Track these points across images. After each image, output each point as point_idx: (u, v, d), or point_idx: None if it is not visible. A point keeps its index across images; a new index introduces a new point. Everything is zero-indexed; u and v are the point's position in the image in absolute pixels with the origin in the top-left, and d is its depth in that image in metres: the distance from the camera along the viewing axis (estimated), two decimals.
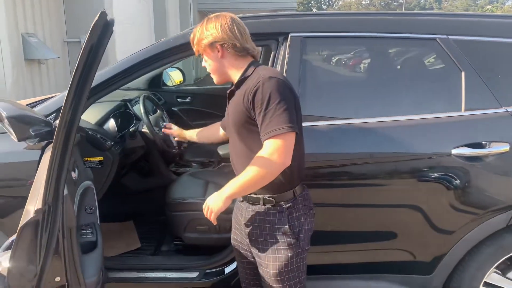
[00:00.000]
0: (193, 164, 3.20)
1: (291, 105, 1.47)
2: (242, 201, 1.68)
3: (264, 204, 1.57)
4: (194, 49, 1.63)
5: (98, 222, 1.77)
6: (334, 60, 2.50)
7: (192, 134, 2.20)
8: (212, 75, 1.63)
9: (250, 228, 1.62)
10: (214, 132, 2.10)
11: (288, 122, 1.42)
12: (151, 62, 2.11)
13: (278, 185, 1.54)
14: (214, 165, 3.19)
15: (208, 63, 1.61)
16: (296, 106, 1.53)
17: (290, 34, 2.06)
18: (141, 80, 3.73)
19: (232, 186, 1.50)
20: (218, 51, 1.55)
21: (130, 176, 2.96)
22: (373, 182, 2.01)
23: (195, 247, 2.44)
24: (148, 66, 2.12)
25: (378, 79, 2.19)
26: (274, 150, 1.43)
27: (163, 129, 2.32)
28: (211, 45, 1.55)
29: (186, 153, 3.31)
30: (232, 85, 1.62)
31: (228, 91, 1.63)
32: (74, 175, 1.68)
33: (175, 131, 2.28)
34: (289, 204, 1.57)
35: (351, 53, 2.28)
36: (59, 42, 7.41)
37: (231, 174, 1.73)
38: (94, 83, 2.09)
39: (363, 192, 2.02)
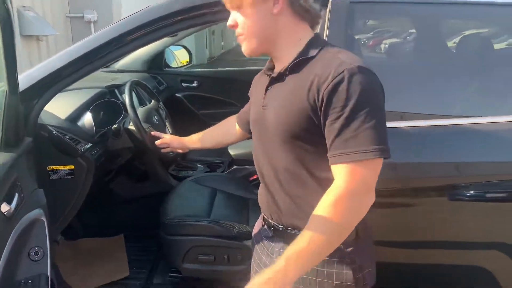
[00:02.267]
0: (198, 165, 2.61)
1: (384, 115, 0.97)
2: (272, 236, 1.14)
3: None
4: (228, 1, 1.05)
5: (49, 273, 1.20)
6: (396, 39, 1.80)
7: (194, 140, 1.62)
8: (246, 40, 1.05)
9: None
10: (227, 131, 1.53)
11: (381, 142, 0.93)
12: (134, 38, 1.51)
13: None
14: (223, 167, 2.60)
15: (251, 20, 1.03)
16: None
17: None
18: (139, 60, 3.13)
19: (298, 257, 0.91)
20: (276, 3, 1.01)
21: (121, 181, 2.40)
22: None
23: (196, 281, 1.89)
24: (130, 43, 1.52)
25: (464, 64, 1.54)
26: (361, 184, 0.93)
27: (152, 132, 1.73)
28: None
29: (188, 152, 2.72)
30: (272, 62, 1.11)
31: (274, 74, 1.07)
32: (7, 207, 1.11)
33: (167, 140, 1.68)
34: (351, 248, 1.05)
35: (422, 26, 1.62)
36: (61, 17, 6.85)
37: (245, 182, 1.17)
38: (58, 64, 1.53)
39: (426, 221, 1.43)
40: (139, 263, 2.17)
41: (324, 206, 0.93)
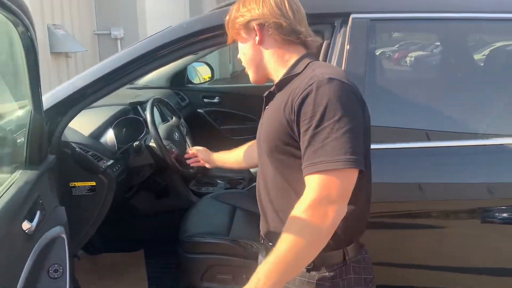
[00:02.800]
0: (218, 181, 2.61)
1: (358, 125, 0.96)
2: (265, 254, 1.13)
3: None
4: (228, 34, 1.18)
5: None
6: (415, 54, 1.79)
7: (221, 159, 1.70)
8: (247, 70, 1.17)
9: None
10: (252, 153, 1.54)
11: (350, 151, 0.91)
12: (156, 57, 1.53)
13: None
14: (244, 184, 2.59)
15: (242, 53, 1.16)
16: (366, 127, 1.01)
17: (352, 16, 1.45)
18: (163, 77, 3.19)
19: (268, 271, 0.92)
20: (256, 34, 1.10)
21: (141, 196, 2.42)
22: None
23: None
24: (152, 62, 1.54)
25: (490, 85, 1.50)
26: (327, 194, 0.91)
27: (186, 155, 1.80)
28: (247, 25, 1.10)
29: (209, 168, 2.73)
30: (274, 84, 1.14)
31: (265, 93, 1.15)
32: (29, 225, 1.13)
33: (200, 148, 1.79)
34: (333, 273, 1.03)
35: (448, 42, 1.59)
36: (88, 34, 7.06)
37: None
38: (83, 82, 1.57)
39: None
40: (158, 280, 2.17)
41: (291, 218, 0.93)
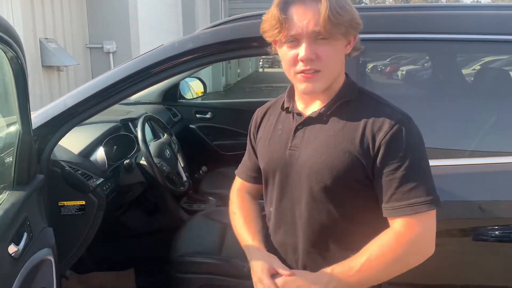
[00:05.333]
0: (209, 198, 2.59)
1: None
2: None
3: None
4: (324, 29, 0.89)
5: None
6: (403, 72, 1.81)
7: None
8: (322, 77, 0.94)
9: None
10: (255, 211, 1.24)
11: (435, 191, 0.97)
12: (147, 76, 1.53)
13: None
14: None
15: (337, 57, 0.96)
16: None
17: None
18: (155, 92, 3.18)
19: (341, 280, 0.95)
20: (348, 44, 0.98)
21: (132, 214, 2.39)
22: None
23: None
24: (143, 80, 1.54)
25: (479, 101, 1.51)
26: (425, 237, 0.96)
27: None
28: (351, 29, 0.95)
29: (201, 185, 2.71)
30: (292, 99, 1.06)
31: (313, 114, 1.01)
32: (15, 249, 1.10)
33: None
34: None
35: (432, 62, 1.61)
36: (81, 48, 7.06)
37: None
38: (72, 102, 1.55)
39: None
40: None
41: (382, 244, 0.94)
